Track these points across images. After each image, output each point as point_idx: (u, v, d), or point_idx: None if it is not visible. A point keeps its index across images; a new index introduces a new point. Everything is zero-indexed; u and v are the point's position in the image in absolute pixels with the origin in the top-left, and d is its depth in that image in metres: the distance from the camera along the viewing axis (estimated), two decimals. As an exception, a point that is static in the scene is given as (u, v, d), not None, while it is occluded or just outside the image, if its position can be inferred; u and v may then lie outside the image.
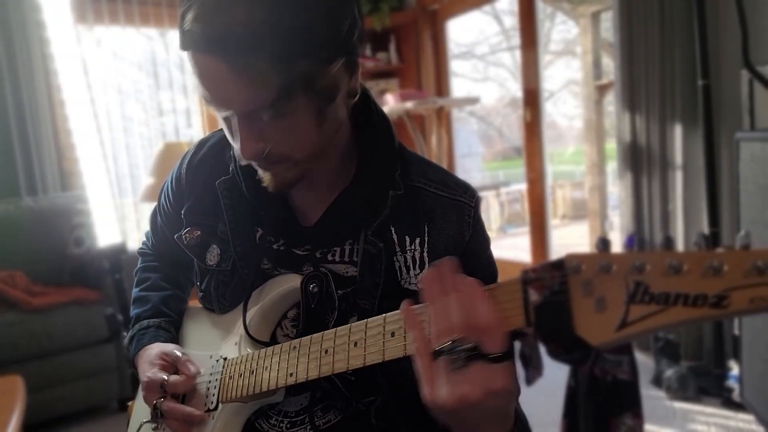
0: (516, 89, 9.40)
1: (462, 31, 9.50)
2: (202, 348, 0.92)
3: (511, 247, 6.75)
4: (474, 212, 0.84)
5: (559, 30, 9.51)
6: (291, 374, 0.73)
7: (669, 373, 2.48)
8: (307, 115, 0.69)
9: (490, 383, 0.53)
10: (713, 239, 2.42)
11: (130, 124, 3.76)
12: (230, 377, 0.82)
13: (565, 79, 9.81)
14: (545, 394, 2.05)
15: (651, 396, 2.43)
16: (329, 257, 0.82)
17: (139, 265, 1.09)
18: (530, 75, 3.63)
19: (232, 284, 0.87)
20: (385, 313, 0.65)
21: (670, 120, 2.62)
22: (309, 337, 0.73)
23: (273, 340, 0.85)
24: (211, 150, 0.92)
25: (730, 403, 2.32)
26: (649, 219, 2.80)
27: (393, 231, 0.80)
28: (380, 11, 4.04)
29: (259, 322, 0.84)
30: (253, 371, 0.79)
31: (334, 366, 0.68)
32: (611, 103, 3.75)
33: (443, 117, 4.08)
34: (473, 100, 4.77)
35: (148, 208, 3.63)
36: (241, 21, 0.61)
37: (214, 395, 0.84)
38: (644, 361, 2.65)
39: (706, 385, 2.46)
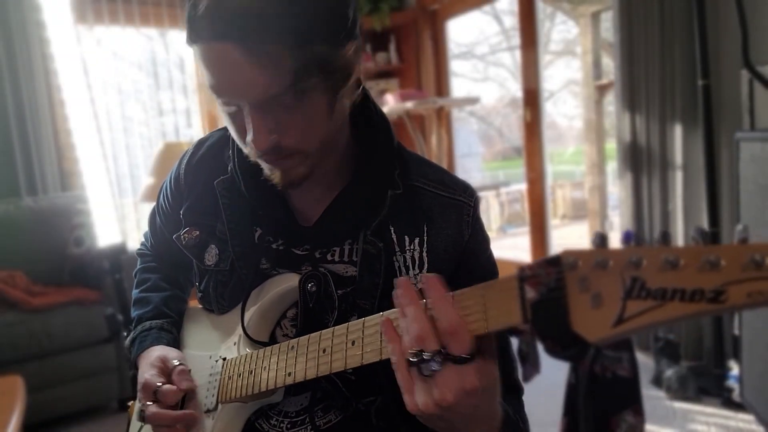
0: (516, 89, 9.40)
1: (462, 31, 9.50)
2: (201, 348, 0.92)
3: (511, 247, 6.76)
4: (473, 212, 0.84)
5: (559, 30, 9.52)
6: (289, 374, 0.73)
7: (669, 373, 2.48)
8: (321, 102, 0.69)
9: (463, 384, 0.55)
10: (713, 239, 2.41)
11: (130, 124, 3.77)
12: (229, 377, 0.82)
13: (565, 79, 9.81)
14: (545, 393, 2.05)
15: (651, 396, 2.43)
16: (328, 257, 0.82)
17: (138, 266, 1.09)
18: (530, 75, 3.63)
19: (231, 284, 0.87)
20: None
21: (670, 120, 2.62)
22: (307, 336, 0.73)
23: (272, 340, 0.85)
24: (210, 150, 0.92)
25: (730, 403, 2.32)
26: (649, 219, 2.80)
27: (392, 231, 0.80)
28: (380, 11, 4.04)
29: (257, 322, 0.83)
30: (251, 371, 0.79)
31: (332, 365, 0.68)
32: (611, 103, 3.75)
33: (443, 117, 4.08)
34: (473, 100, 4.77)
35: (148, 208, 3.62)
36: (257, 5, 0.61)
37: (213, 396, 0.84)
38: (644, 361, 2.64)
39: (706, 385, 2.46)
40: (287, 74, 0.64)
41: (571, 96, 9.78)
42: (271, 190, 0.82)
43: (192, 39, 0.66)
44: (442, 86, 4.26)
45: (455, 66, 9.35)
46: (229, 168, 0.86)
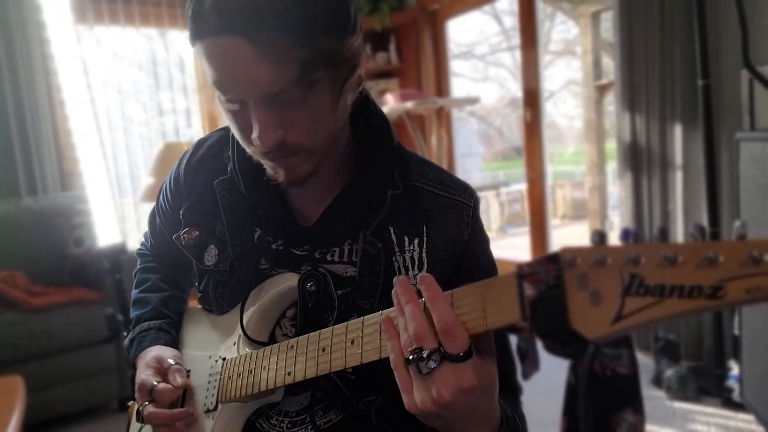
0: (516, 89, 9.40)
1: (462, 31, 9.51)
2: (201, 349, 0.92)
3: (511, 247, 6.76)
4: (473, 212, 0.84)
5: (559, 30, 9.52)
6: (289, 373, 0.73)
7: (669, 373, 2.47)
8: (326, 96, 0.69)
9: (459, 382, 0.56)
10: (713, 240, 2.41)
11: (130, 124, 3.77)
12: (229, 377, 0.82)
13: (565, 79, 9.81)
14: (545, 393, 2.05)
15: (651, 396, 2.43)
16: (328, 257, 0.82)
17: (138, 267, 1.09)
18: (530, 75, 3.63)
19: (230, 284, 0.87)
20: None
21: (670, 120, 2.62)
22: (306, 336, 0.73)
23: (272, 340, 0.85)
24: (210, 150, 0.92)
25: (730, 403, 2.32)
26: (649, 219, 2.80)
27: (392, 231, 0.80)
28: (380, 11, 4.04)
29: (257, 321, 0.83)
30: (251, 371, 0.79)
31: (332, 364, 0.68)
32: (611, 103, 3.76)
33: (443, 117, 4.08)
34: (473, 100, 4.76)
35: (148, 208, 3.63)
36: None
37: (213, 395, 0.84)
38: (644, 361, 2.64)
39: (706, 385, 2.46)
40: (294, 68, 0.64)
41: (571, 96, 9.78)
42: (271, 191, 0.82)
43: (197, 35, 0.66)
44: (442, 86, 4.26)
45: (455, 66, 9.36)
46: (229, 168, 0.86)
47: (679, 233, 2.65)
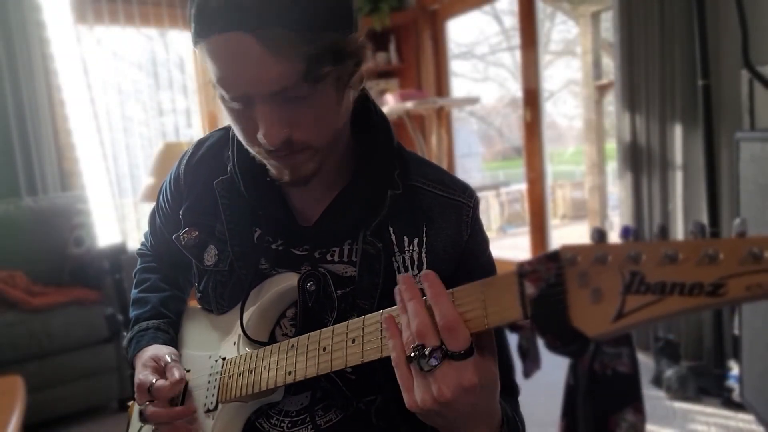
0: (516, 89, 9.40)
1: (462, 31, 9.51)
2: (201, 348, 0.91)
3: (511, 247, 6.76)
4: (472, 212, 0.84)
5: (559, 30, 9.52)
6: (290, 373, 0.73)
7: (669, 373, 2.47)
8: (331, 92, 0.69)
9: (460, 380, 0.56)
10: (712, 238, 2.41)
11: (130, 124, 3.77)
12: (229, 377, 0.82)
13: (565, 79, 9.81)
14: (545, 393, 2.05)
15: (651, 396, 2.43)
16: (328, 257, 0.82)
17: (138, 267, 1.09)
18: (530, 75, 3.63)
19: (230, 284, 0.87)
20: None
21: (670, 120, 2.62)
22: (307, 335, 0.73)
23: (272, 340, 0.85)
24: (210, 150, 0.91)
25: (730, 403, 2.31)
26: (649, 219, 2.80)
27: (391, 231, 0.80)
28: (380, 11, 4.05)
29: (257, 321, 0.83)
30: (251, 371, 0.78)
31: (333, 364, 0.68)
32: (611, 103, 3.75)
33: (443, 117, 4.08)
34: (473, 100, 4.77)
35: (148, 208, 3.64)
36: None
37: (213, 395, 0.84)
38: (644, 361, 2.64)
39: (706, 385, 2.46)
40: (300, 63, 0.64)
41: (571, 96, 9.78)
42: (271, 190, 0.82)
43: (201, 33, 0.65)
44: (442, 86, 4.26)
45: (455, 66, 9.36)
46: (229, 168, 0.85)
47: (679, 233, 2.65)
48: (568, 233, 7.69)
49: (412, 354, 0.57)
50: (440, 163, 3.34)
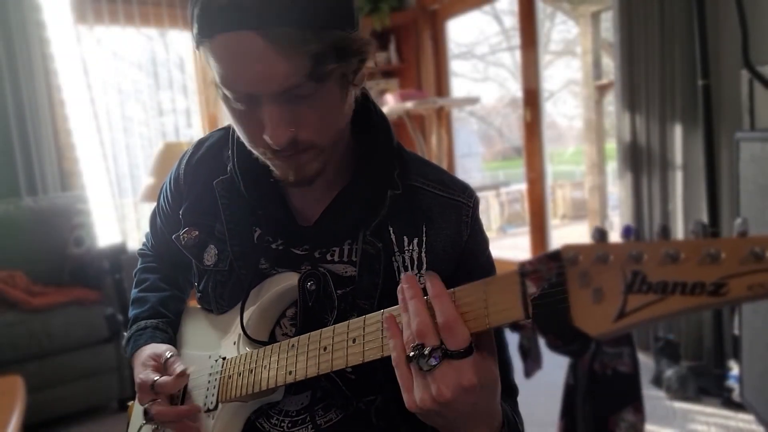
0: (516, 89, 9.40)
1: (462, 31, 9.51)
2: (201, 348, 0.91)
3: (511, 247, 6.76)
4: (472, 212, 0.84)
5: (559, 30, 9.52)
6: (290, 372, 0.73)
7: (669, 373, 2.47)
8: (336, 91, 0.69)
9: (460, 380, 0.56)
10: (713, 237, 2.42)
11: (130, 124, 3.77)
12: (229, 377, 0.82)
13: (565, 79, 9.81)
14: (545, 393, 2.05)
15: (651, 396, 2.43)
16: (328, 257, 0.82)
17: (138, 266, 1.09)
18: (530, 75, 3.63)
19: (230, 284, 0.87)
20: None
21: (670, 120, 2.62)
22: (307, 335, 0.73)
23: (272, 339, 0.85)
24: (210, 150, 0.92)
25: (730, 403, 2.31)
26: (649, 219, 2.80)
27: (391, 231, 0.80)
28: (380, 11, 4.05)
29: (257, 321, 0.83)
30: (252, 370, 0.78)
31: (333, 363, 0.68)
32: (611, 103, 3.75)
33: (443, 117, 4.08)
34: (473, 100, 4.77)
35: (148, 208, 3.63)
36: None
37: (213, 395, 0.84)
38: (644, 361, 2.64)
39: (706, 385, 2.46)
40: (306, 61, 0.64)
41: (571, 96, 9.78)
42: (271, 190, 0.82)
43: (205, 33, 0.65)
44: (442, 86, 4.26)
45: (455, 66, 9.35)
46: (229, 168, 0.85)
47: (679, 233, 2.65)
48: (568, 233, 7.69)
49: (412, 353, 0.58)
50: (440, 163, 3.34)
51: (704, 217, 2.53)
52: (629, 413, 1.75)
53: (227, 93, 0.68)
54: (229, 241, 0.84)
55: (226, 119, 0.75)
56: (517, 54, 3.90)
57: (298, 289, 0.80)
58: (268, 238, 0.85)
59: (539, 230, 3.79)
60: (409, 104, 3.70)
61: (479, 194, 0.87)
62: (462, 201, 0.84)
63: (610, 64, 4.99)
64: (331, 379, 0.80)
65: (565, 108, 10.58)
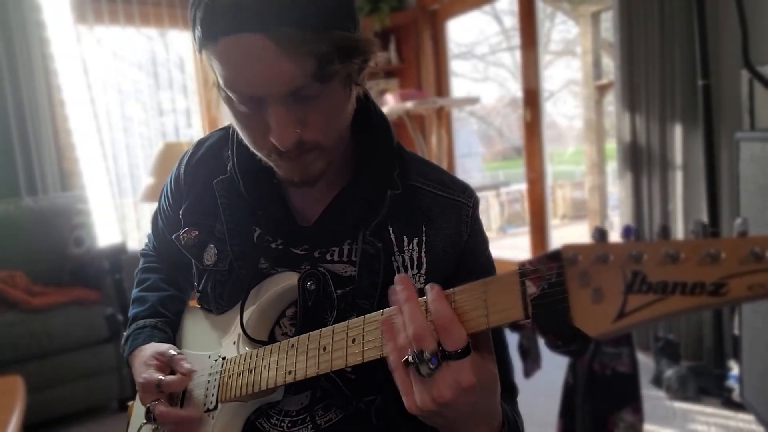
0: (516, 89, 9.41)
1: (462, 31, 9.51)
2: (200, 348, 0.91)
3: (511, 247, 6.77)
4: (472, 212, 0.84)
5: (559, 30, 9.52)
6: (290, 372, 0.73)
7: (669, 373, 2.47)
8: (340, 90, 0.69)
9: (459, 380, 0.56)
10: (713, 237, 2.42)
11: (130, 124, 3.77)
12: (229, 377, 0.82)
13: (565, 79, 9.81)
14: (544, 393, 2.05)
15: (651, 396, 2.43)
16: (328, 257, 0.82)
17: (140, 266, 1.09)
18: (530, 75, 3.63)
19: (230, 284, 0.87)
20: None
21: (670, 120, 2.62)
22: (307, 334, 0.73)
23: (272, 339, 0.85)
24: (210, 150, 0.92)
25: (730, 403, 2.31)
26: (649, 219, 2.80)
27: (391, 231, 0.80)
28: (380, 11, 4.05)
29: (257, 321, 0.83)
30: (251, 370, 0.78)
31: (333, 363, 0.68)
32: (611, 103, 3.76)
33: (443, 117, 4.08)
34: (473, 100, 4.76)
35: (148, 208, 3.66)
36: None
37: (213, 395, 0.83)
38: (644, 361, 2.64)
39: (706, 385, 2.46)
40: (312, 61, 0.64)
41: (571, 96, 9.78)
42: (271, 190, 0.82)
43: (210, 36, 0.65)
44: (442, 86, 4.26)
45: (455, 66, 9.36)
46: (228, 168, 0.86)
47: (679, 233, 2.65)
48: (568, 233, 7.70)
49: (410, 359, 0.57)
50: (440, 163, 3.34)
51: (704, 217, 2.53)
52: (628, 413, 1.75)
53: (232, 95, 0.68)
54: (228, 240, 0.84)
55: (227, 119, 0.75)
56: (517, 54, 3.90)
57: (298, 288, 0.80)
58: (267, 238, 0.84)
59: (539, 230, 3.79)
60: (409, 104, 3.70)
61: (479, 194, 0.87)
62: (462, 201, 0.84)
63: (610, 64, 4.99)
64: (331, 379, 0.80)
65: (565, 108, 10.59)
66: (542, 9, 5.56)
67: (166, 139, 3.84)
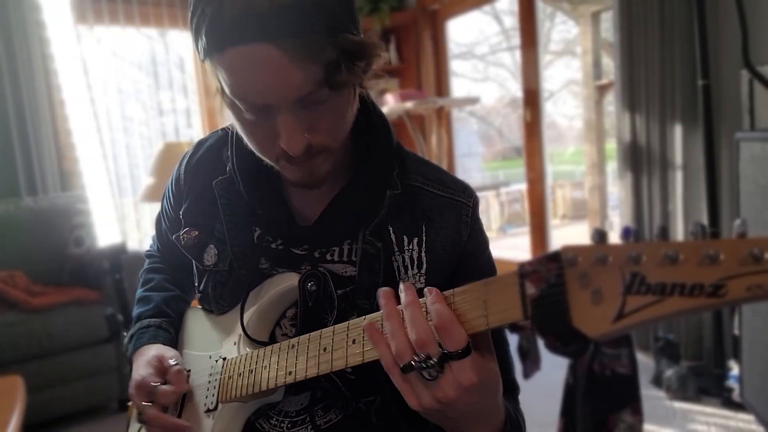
0: (516, 89, 9.41)
1: (462, 31, 9.52)
2: (201, 348, 0.91)
3: (511, 247, 6.77)
4: (472, 212, 0.84)
5: (559, 30, 9.52)
6: (290, 373, 0.73)
7: (669, 373, 2.47)
8: (347, 94, 0.70)
9: (459, 379, 0.56)
10: (712, 239, 2.42)
11: (130, 124, 3.77)
12: (229, 377, 0.82)
13: (565, 79, 9.82)
14: (544, 393, 2.05)
15: (651, 396, 2.43)
16: (328, 257, 0.82)
17: (145, 266, 1.09)
18: (530, 75, 3.63)
19: (230, 284, 0.87)
20: None
21: (670, 120, 2.62)
22: (307, 335, 0.73)
23: (272, 340, 0.85)
24: (209, 150, 0.92)
25: (730, 403, 2.32)
26: (649, 219, 2.80)
27: (391, 231, 0.80)
28: (380, 11, 4.05)
29: (257, 321, 0.83)
30: (252, 370, 0.78)
31: (333, 364, 0.68)
32: (611, 103, 3.76)
33: (443, 117, 4.08)
34: (473, 100, 4.76)
35: (148, 208, 3.66)
36: (290, 1, 0.61)
37: (213, 395, 0.83)
38: (644, 361, 2.64)
39: (706, 385, 2.46)
40: (320, 67, 0.64)
41: (571, 96, 9.79)
42: (270, 190, 0.82)
43: (216, 47, 0.64)
44: (442, 86, 4.26)
45: (455, 66, 9.36)
46: (228, 168, 0.86)
47: (679, 233, 2.65)
48: (568, 233, 7.70)
49: (414, 364, 0.57)
50: (440, 163, 3.34)
51: (704, 217, 2.53)
52: (628, 414, 1.75)
53: (239, 104, 0.68)
54: (229, 241, 0.84)
55: (227, 120, 0.75)
56: (517, 54, 3.90)
57: (299, 289, 0.80)
58: (268, 238, 0.84)
59: (539, 230, 3.79)
60: (409, 104, 3.70)
61: (479, 194, 0.87)
62: (462, 201, 0.84)
63: (610, 64, 4.99)
64: (331, 380, 0.80)
65: (565, 108, 10.59)
66: (542, 9, 5.56)
67: (166, 139, 3.84)
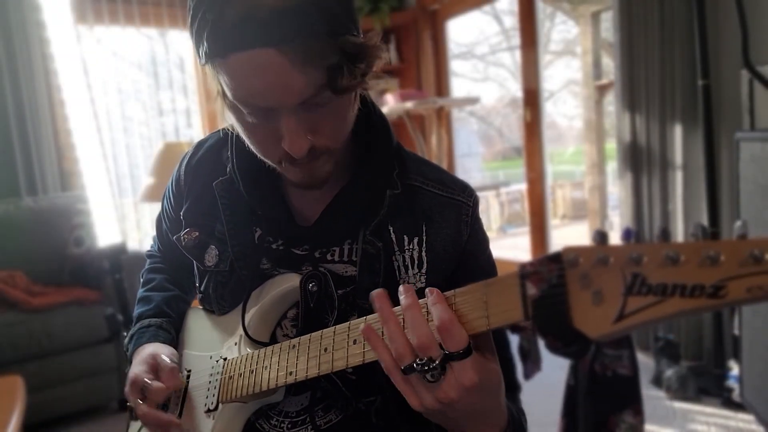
0: (516, 89, 9.41)
1: (462, 31, 9.52)
2: (202, 349, 0.92)
3: (511, 247, 6.77)
4: (472, 212, 0.84)
5: (559, 30, 9.53)
6: (291, 373, 0.73)
7: (669, 373, 2.48)
8: (349, 95, 0.70)
9: (461, 380, 0.56)
10: (713, 240, 2.42)
11: (130, 124, 3.77)
12: (230, 377, 0.82)
13: (565, 79, 9.82)
14: (545, 393, 2.05)
15: (651, 396, 2.43)
16: (328, 257, 0.82)
17: (146, 267, 1.09)
18: (530, 75, 3.63)
19: (231, 285, 0.87)
20: None
21: (670, 120, 2.62)
22: (308, 335, 0.73)
23: (273, 340, 0.85)
24: (209, 151, 0.92)
25: (730, 403, 2.32)
26: (649, 219, 2.80)
27: (391, 230, 0.80)
28: (380, 11, 4.05)
29: (258, 322, 0.83)
30: (252, 371, 0.78)
31: (334, 364, 0.68)
32: (611, 103, 3.76)
33: (443, 117, 4.08)
34: (473, 100, 4.76)
35: (148, 208, 3.66)
36: (291, 5, 0.61)
37: (214, 395, 0.84)
38: (644, 361, 2.64)
39: (706, 385, 2.46)
40: (323, 70, 0.64)
41: (571, 96, 9.79)
42: (270, 191, 0.82)
43: (218, 52, 0.64)
44: (442, 86, 4.26)
45: (455, 66, 9.36)
46: (228, 169, 0.86)
47: (679, 233, 2.65)
48: (568, 233, 7.70)
49: (416, 367, 0.57)
50: (440, 163, 3.34)
51: (704, 218, 2.53)
52: (629, 415, 1.75)
53: (242, 107, 0.68)
54: (229, 241, 0.84)
55: (227, 120, 0.75)
56: (517, 54, 3.90)
57: (300, 290, 0.80)
58: (268, 239, 0.84)
59: (539, 230, 3.79)
60: (409, 104, 3.70)
61: (479, 194, 0.87)
62: (462, 200, 0.84)
63: (610, 64, 5.00)
64: (331, 380, 0.80)
65: (565, 108, 10.59)
66: (542, 9, 5.57)
67: (166, 139, 3.84)
